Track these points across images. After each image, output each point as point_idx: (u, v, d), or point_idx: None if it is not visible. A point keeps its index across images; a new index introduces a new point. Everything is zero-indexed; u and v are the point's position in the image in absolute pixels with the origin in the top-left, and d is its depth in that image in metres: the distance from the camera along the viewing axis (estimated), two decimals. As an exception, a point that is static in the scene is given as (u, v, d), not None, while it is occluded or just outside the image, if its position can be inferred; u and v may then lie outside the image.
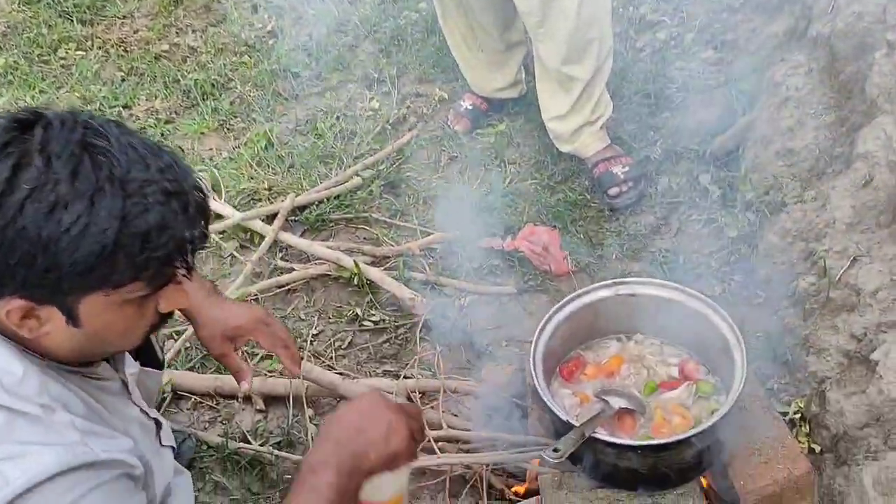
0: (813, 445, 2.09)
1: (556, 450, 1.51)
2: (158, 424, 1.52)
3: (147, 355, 1.59)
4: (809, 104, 2.62)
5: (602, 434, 1.65)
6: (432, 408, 2.27)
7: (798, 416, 2.12)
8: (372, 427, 1.23)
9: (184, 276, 1.25)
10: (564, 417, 1.67)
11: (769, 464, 1.78)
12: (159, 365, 1.63)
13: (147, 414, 1.47)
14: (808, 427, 2.11)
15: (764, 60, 3.01)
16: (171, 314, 1.32)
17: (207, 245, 1.26)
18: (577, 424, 1.65)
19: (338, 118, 3.58)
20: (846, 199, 2.36)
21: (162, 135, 3.74)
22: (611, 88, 3.02)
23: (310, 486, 1.18)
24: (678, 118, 3.13)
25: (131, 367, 1.42)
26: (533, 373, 1.79)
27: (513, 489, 2.09)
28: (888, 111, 2.29)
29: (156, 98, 3.96)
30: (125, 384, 1.41)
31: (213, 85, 3.95)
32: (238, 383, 1.70)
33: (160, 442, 1.52)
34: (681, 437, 1.63)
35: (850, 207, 2.33)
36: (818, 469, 2.09)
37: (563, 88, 2.85)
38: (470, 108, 3.36)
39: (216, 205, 3.14)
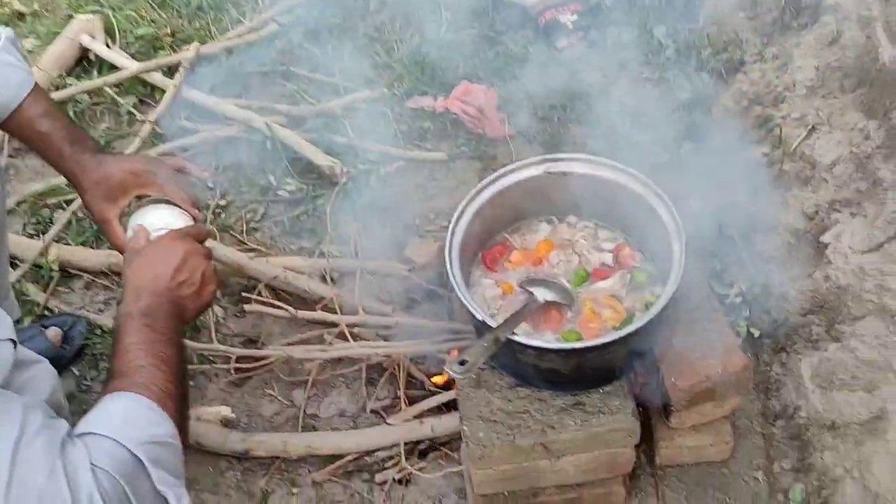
0: (752, 330, 1.97)
1: (462, 362, 1.33)
2: None
3: None
4: (779, -55, 2.34)
5: (520, 336, 1.47)
6: (349, 291, 2.07)
7: (739, 298, 1.99)
8: (188, 280, 1.29)
9: None
10: (480, 317, 1.49)
11: (704, 360, 1.63)
12: None
13: None
14: (748, 310, 1.98)
15: None
16: None
17: None
18: (493, 325, 1.46)
19: (253, -50, 3.17)
20: (810, 58, 2.16)
21: (51, -32, 3.29)
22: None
23: (137, 330, 1.18)
24: (634, -42, 2.80)
25: None
26: (448, 264, 1.58)
27: (432, 379, 1.95)
28: (865, -43, 2.03)
29: (42, -78, 3.45)
30: None
31: None
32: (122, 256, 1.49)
33: None
34: (607, 339, 1.46)
35: (813, 68, 2.13)
36: (755, 355, 1.98)
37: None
38: (401, -58, 2.97)
39: (110, 52, 2.79)
